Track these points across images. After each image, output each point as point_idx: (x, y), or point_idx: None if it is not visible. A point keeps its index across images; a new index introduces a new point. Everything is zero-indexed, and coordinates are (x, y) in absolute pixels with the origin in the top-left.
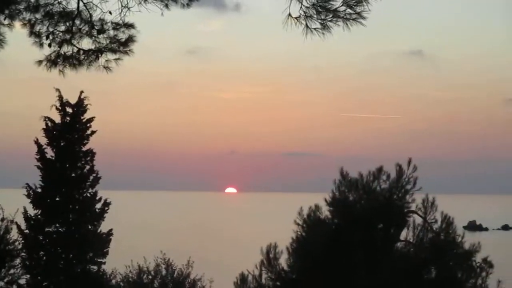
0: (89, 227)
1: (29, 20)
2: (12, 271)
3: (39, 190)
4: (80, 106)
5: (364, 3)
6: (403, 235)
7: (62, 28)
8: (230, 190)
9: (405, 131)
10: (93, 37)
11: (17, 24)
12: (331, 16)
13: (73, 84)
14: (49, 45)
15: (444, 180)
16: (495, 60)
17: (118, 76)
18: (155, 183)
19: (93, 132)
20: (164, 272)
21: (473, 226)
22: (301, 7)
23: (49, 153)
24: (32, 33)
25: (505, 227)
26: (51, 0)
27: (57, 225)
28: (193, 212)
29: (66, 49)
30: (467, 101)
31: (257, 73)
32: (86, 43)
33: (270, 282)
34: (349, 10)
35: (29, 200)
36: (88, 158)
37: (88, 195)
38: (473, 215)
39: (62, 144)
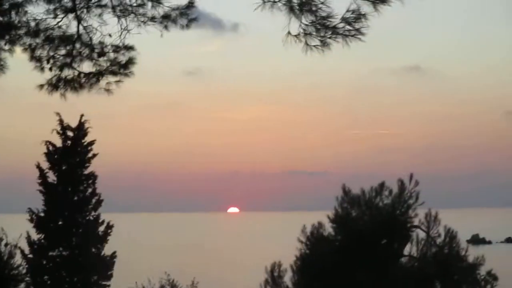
0: (93, 250)
1: (30, 45)
2: None
3: (42, 214)
4: (81, 129)
5: (363, 19)
6: (406, 250)
7: (63, 52)
8: (233, 210)
9: (407, 147)
10: (94, 60)
11: (18, 49)
12: (330, 33)
13: (73, 108)
14: (50, 69)
15: (446, 194)
16: (496, 74)
17: (118, 99)
18: (158, 205)
19: (94, 155)
20: None
21: (476, 240)
22: (300, 25)
23: (51, 177)
24: (33, 57)
25: (509, 240)
26: (51, 25)
27: (61, 249)
28: (196, 232)
29: (67, 73)
30: (468, 116)
31: (258, 93)
32: (87, 66)
33: None
34: (348, 27)
35: (32, 225)
36: (90, 181)
37: (91, 218)
38: (477, 228)
39: (63, 168)
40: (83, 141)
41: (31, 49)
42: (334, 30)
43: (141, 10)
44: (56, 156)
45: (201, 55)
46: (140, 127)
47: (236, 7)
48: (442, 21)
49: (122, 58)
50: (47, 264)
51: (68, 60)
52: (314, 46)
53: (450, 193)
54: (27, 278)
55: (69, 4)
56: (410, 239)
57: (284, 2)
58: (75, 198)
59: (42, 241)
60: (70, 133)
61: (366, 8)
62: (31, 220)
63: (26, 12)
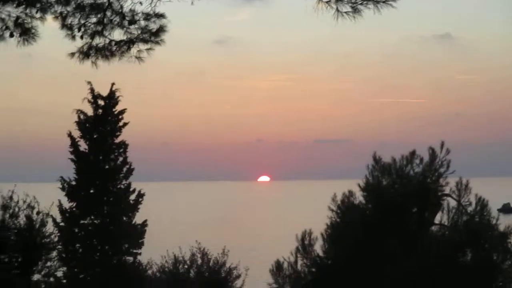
0: (124, 218)
1: (61, 13)
2: (48, 264)
3: (74, 183)
4: (111, 98)
5: None
6: (437, 218)
7: (94, 20)
8: (263, 179)
9: (436, 115)
10: (125, 28)
11: (49, 17)
12: None
13: (103, 77)
14: (81, 37)
15: (477, 163)
16: None
17: (148, 67)
18: (188, 174)
19: (125, 124)
20: (199, 261)
21: (507, 209)
22: None
23: (83, 146)
24: (64, 25)
25: None
26: None
27: (92, 217)
28: (227, 201)
29: (98, 41)
30: (500, 82)
31: (285, 62)
32: (118, 34)
33: (306, 268)
34: None
35: (64, 193)
36: (121, 150)
37: (122, 186)
38: (508, 197)
39: (95, 136)
40: (114, 109)
41: (62, 17)
42: None
43: None
44: (87, 125)
45: (230, 24)
46: (169, 96)
47: None
48: None
49: (153, 26)
50: (79, 232)
51: (99, 28)
52: (345, 12)
53: (481, 161)
54: (59, 246)
55: None
56: (441, 208)
57: None
58: (106, 166)
59: (74, 209)
60: (101, 102)
61: None
62: (62, 189)
63: None
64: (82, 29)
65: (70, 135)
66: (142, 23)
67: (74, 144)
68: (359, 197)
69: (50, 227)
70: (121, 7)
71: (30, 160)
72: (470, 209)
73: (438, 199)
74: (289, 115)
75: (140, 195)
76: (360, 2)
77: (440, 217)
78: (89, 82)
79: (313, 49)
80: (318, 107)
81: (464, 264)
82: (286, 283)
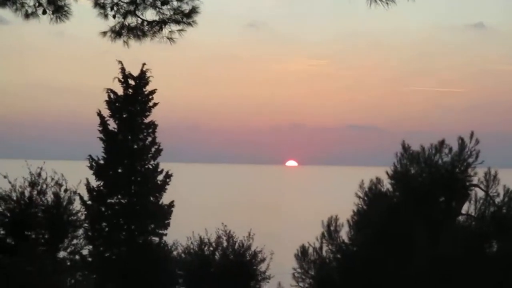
0: (151, 198)
1: None
2: (75, 241)
3: (102, 161)
4: (142, 78)
5: None
6: (464, 208)
7: None
8: (291, 163)
9: (468, 105)
10: (157, 8)
11: None
12: None
13: (136, 56)
14: (114, 16)
15: (507, 153)
16: None
17: (180, 48)
18: (216, 156)
19: (155, 104)
20: (225, 244)
21: None
22: None
23: (112, 125)
24: (97, 4)
25: None
26: None
27: (119, 196)
28: (253, 185)
29: (130, 20)
30: None
31: (319, 46)
32: (150, 15)
33: (331, 254)
34: None
35: (92, 172)
36: (150, 130)
37: (150, 167)
38: None
39: (124, 116)
40: (144, 90)
41: None
42: None
43: None
44: (117, 104)
45: (264, 8)
46: (201, 77)
47: None
48: None
49: (186, 7)
50: (106, 211)
51: (132, 7)
52: None
53: (511, 152)
54: (85, 224)
55: None
56: (468, 198)
57: None
58: (135, 146)
59: (101, 188)
60: (131, 82)
61: None
62: (91, 167)
63: None
64: (115, 8)
65: (99, 114)
66: (175, 3)
67: (103, 123)
68: (386, 184)
69: (77, 205)
70: None
71: (59, 138)
72: (498, 200)
73: (466, 189)
74: (323, 99)
75: (168, 176)
76: None
77: (468, 207)
78: (120, 62)
79: (348, 35)
80: (352, 93)
81: (490, 255)
82: (311, 268)
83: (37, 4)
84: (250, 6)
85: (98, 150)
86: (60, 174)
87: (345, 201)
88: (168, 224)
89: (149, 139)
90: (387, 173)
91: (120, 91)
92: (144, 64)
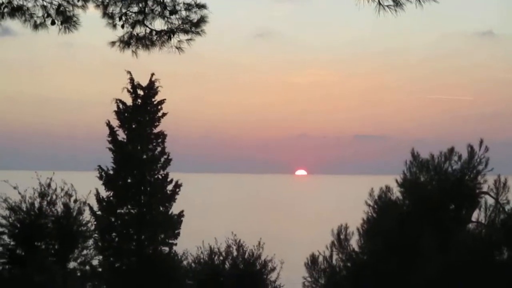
0: (161, 208)
1: (102, 2)
2: (85, 252)
3: (111, 172)
4: (151, 88)
5: None
6: (474, 216)
7: (135, 9)
8: (300, 172)
9: (477, 113)
10: (166, 18)
11: (91, 5)
12: None
13: (143, 67)
14: (122, 26)
15: None
16: None
17: (188, 59)
18: (226, 166)
19: (164, 114)
20: (235, 253)
21: None
22: None
23: (121, 135)
24: (105, 14)
25: None
26: None
27: (129, 206)
28: (264, 194)
29: (139, 30)
30: None
31: (326, 57)
32: (159, 24)
33: (341, 263)
34: None
35: (101, 182)
36: (160, 140)
37: (160, 177)
38: None
39: (133, 126)
40: (153, 99)
41: (104, 6)
42: None
43: None
44: (126, 114)
45: (272, 18)
46: (211, 88)
47: None
48: None
49: (194, 16)
50: (115, 221)
51: (140, 17)
52: (387, 6)
53: None
54: (95, 235)
55: None
56: (478, 205)
57: None
58: (144, 156)
59: (111, 198)
60: (140, 92)
61: None
62: (100, 178)
63: None
64: (124, 18)
65: (108, 124)
66: (183, 13)
67: (112, 133)
68: (396, 192)
69: (87, 216)
70: None
71: (69, 149)
72: (507, 207)
73: (476, 196)
74: (331, 110)
75: (177, 186)
76: None
77: (477, 215)
78: (128, 72)
79: (355, 45)
80: (360, 103)
81: (501, 262)
82: (321, 277)
83: (46, 14)
84: (258, 17)
85: (107, 160)
86: (70, 184)
87: (354, 209)
88: (178, 234)
89: (159, 149)
90: (396, 181)
91: (129, 101)
92: (152, 74)
